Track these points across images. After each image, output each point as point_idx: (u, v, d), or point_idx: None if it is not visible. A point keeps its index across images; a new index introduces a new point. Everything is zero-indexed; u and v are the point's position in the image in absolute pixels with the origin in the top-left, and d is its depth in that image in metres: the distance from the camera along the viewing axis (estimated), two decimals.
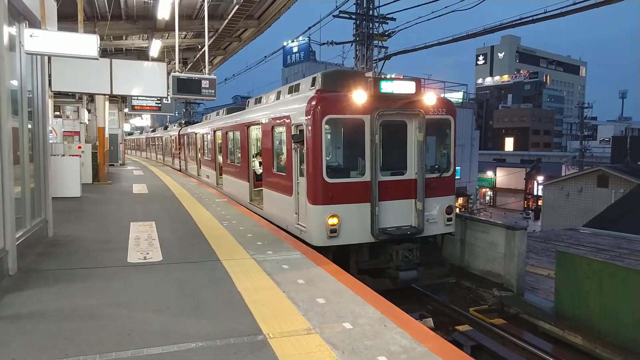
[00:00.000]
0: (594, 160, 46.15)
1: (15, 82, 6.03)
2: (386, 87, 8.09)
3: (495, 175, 50.16)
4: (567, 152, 60.57)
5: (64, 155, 12.75)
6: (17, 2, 5.75)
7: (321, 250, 7.31)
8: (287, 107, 9.33)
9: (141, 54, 17.26)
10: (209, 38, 11.81)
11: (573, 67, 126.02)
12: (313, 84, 8.93)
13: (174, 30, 9.18)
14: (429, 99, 8.42)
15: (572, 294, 7.76)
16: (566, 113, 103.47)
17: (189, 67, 20.23)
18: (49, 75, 8.04)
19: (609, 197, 26.57)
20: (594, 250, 12.15)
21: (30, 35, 5.71)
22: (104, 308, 4.45)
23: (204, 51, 9.95)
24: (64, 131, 17.45)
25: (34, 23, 6.43)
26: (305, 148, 8.12)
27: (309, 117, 7.97)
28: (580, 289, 7.58)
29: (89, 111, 19.39)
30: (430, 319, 7.93)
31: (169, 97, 9.62)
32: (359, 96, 7.84)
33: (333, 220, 7.83)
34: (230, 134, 13.62)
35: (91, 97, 18.87)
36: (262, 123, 10.60)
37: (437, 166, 9.11)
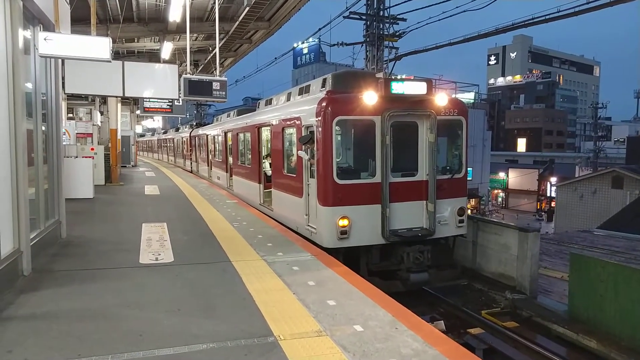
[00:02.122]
0: (608, 161, 45.39)
1: (29, 85, 6.12)
2: (397, 87, 8.03)
3: (507, 176, 49.70)
4: (580, 153, 59.65)
5: (77, 157, 12.90)
6: (31, 6, 5.83)
7: (331, 251, 7.30)
8: (297, 108, 9.32)
9: (153, 56, 17.39)
10: (220, 40, 11.85)
11: (586, 66, 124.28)
12: (323, 85, 8.92)
13: (185, 32, 9.24)
14: (440, 99, 8.36)
15: (586, 297, 7.65)
16: (580, 113, 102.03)
17: (200, 69, 20.36)
18: (63, 78, 8.15)
19: (624, 199, 26.17)
20: (609, 253, 11.95)
21: (44, 39, 5.79)
22: (116, 309, 4.49)
23: (215, 53, 10.02)
24: (77, 133, 17.65)
25: (48, 26, 6.52)
26: (315, 149, 8.11)
27: (320, 118, 7.96)
28: (595, 291, 7.46)
29: (102, 113, 19.61)
30: (442, 321, 7.87)
31: (180, 99, 9.69)
32: (369, 97, 7.81)
33: (343, 222, 7.81)
34: (241, 136, 13.66)
35: (104, 99, 19.08)
36: (272, 124, 10.61)
37: (448, 167, 9.03)
